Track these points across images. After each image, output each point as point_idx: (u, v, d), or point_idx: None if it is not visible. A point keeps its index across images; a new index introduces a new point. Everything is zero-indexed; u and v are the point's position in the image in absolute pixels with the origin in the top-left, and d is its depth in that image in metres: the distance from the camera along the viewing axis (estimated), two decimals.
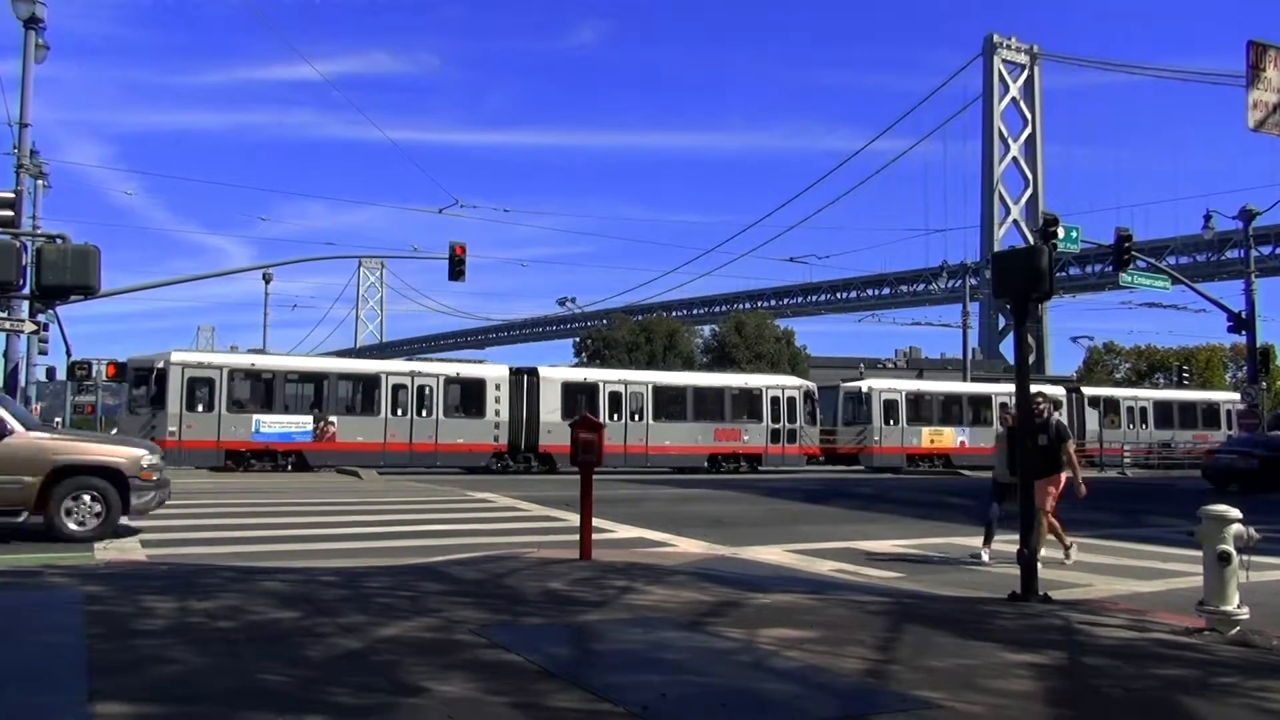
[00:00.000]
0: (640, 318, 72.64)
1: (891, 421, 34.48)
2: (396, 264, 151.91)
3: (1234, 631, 6.05)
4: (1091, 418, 38.42)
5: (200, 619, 5.78)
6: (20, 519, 10.25)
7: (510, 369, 30.09)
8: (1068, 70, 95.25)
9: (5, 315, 19.46)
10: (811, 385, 34.16)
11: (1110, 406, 39.96)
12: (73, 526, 10.29)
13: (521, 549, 10.13)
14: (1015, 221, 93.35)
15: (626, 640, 5.62)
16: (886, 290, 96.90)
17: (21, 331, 20.17)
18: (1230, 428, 40.92)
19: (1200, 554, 6.36)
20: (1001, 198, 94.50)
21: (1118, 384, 75.28)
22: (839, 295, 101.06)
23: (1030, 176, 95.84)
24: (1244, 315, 32.11)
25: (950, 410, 36.17)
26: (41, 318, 21.83)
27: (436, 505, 16.76)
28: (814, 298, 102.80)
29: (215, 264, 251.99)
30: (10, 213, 18.96)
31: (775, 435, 32.23)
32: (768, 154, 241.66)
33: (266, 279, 43.29)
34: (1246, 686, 4.87)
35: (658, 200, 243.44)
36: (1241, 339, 36.45)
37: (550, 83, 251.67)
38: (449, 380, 28.80)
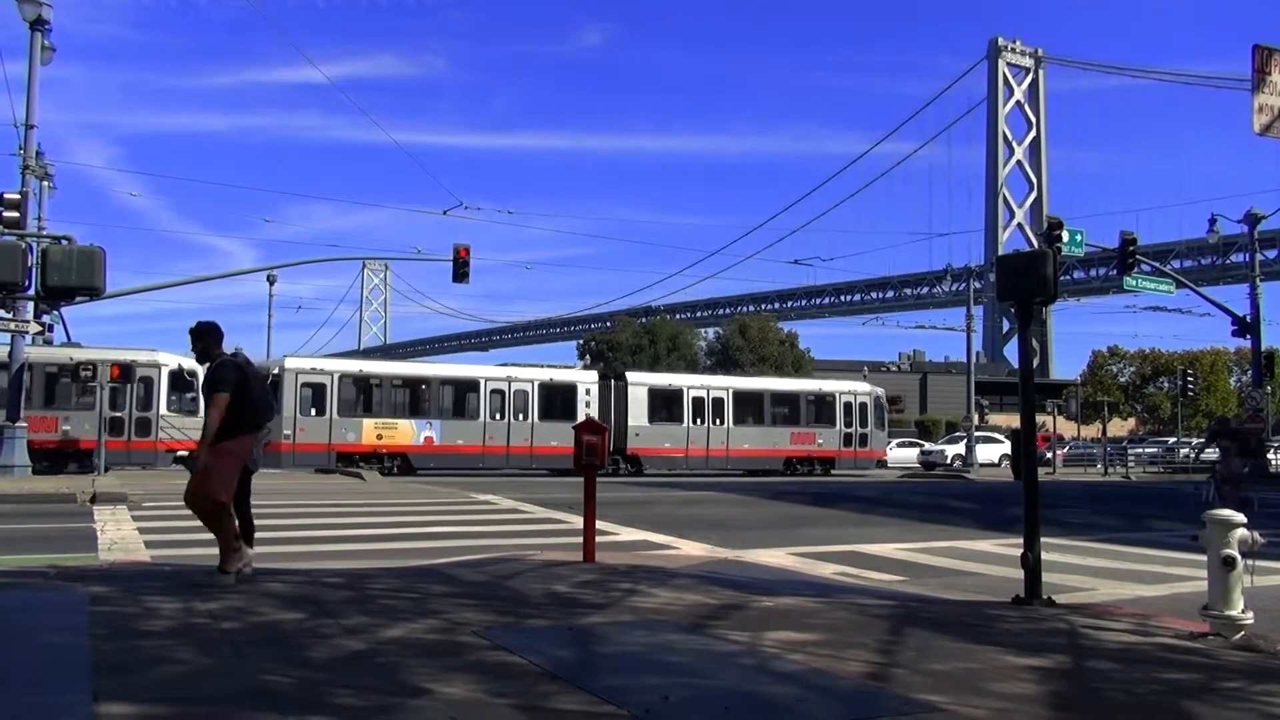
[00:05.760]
0: (644, 320, 72.72)
1: (315, 411, 27.63)
2: (401, 266, 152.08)
3: (1238, 636, 6.04)
4: (639, 412, 31.36)
5: (204, 620, 5.79)
6: None
7: None
8: (1072, 74, 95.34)
9: (10, 316, 19.54)
10: (186, 362, 25.61)
11: (667, 398, 32.26)
12: None
13: (525, 551, 10.13)
14: (1019, 225, 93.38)
15: (630, 643, 5.62)
16: (890, 293, 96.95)
17: (27, 332, 20.25)
18: (850, 425, 34.17)
19: (1204, 558, 6.35)
20: (1006, 201, 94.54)
21: (1123, 388, 75.32)
22: (843, 298, 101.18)
23: (1034, 180, 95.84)
24: (1248, 319, 32.14)
25: (411, 398, 29.72)
26: (46, 318, 21.94)
27: (440, 507, 16.77)
28: (818, 300, 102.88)
29: (220, 266, 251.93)
30: (16, 214, 19.04)
31: (116, 426, 24.60)
32: (772, 157, 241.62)
33: (271, 281, 43.45)
34: (1251, 691, 4.85)
35: (662, 203, 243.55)
36: (1246, 343, 36.49)
37: (555, 86, 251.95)
38: None
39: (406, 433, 28.52)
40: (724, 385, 33.94)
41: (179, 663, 4.73)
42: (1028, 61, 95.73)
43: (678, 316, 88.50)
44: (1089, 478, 34.99)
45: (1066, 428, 53.91)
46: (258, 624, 5.74)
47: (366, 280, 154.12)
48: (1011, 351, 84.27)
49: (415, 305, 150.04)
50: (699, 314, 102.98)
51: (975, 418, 39.52)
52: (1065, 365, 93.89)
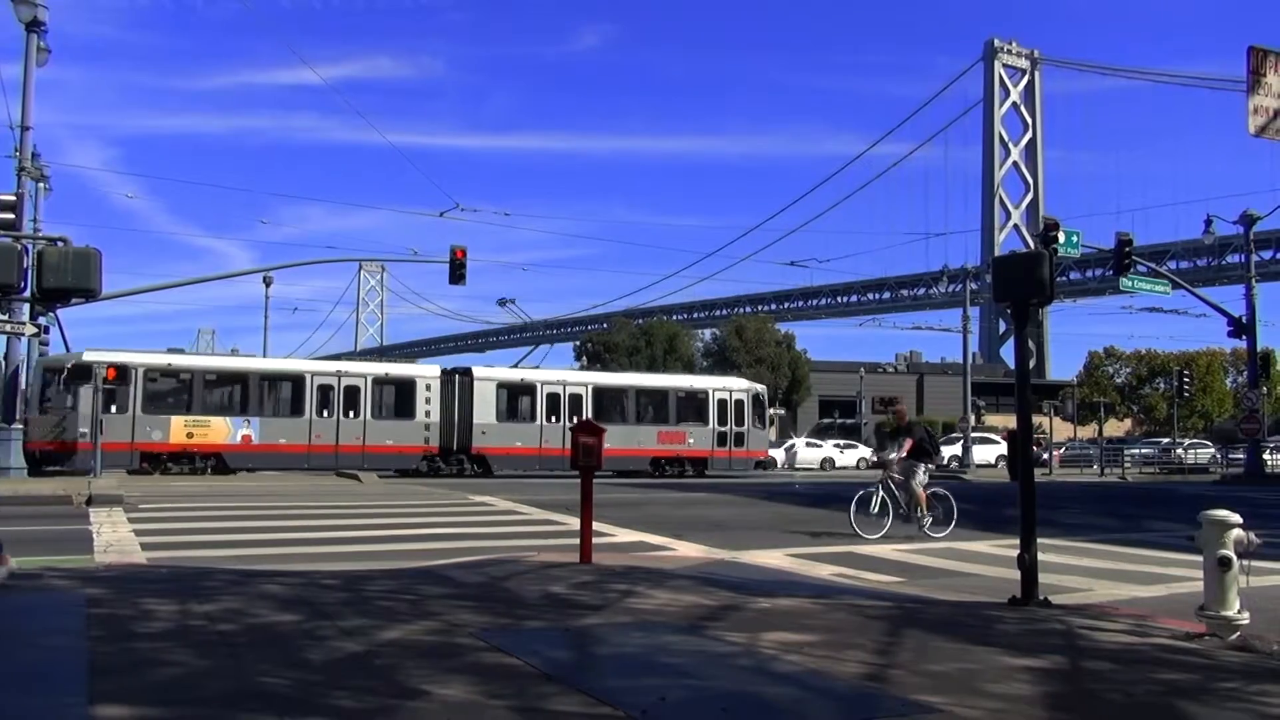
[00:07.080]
0: (641, 321, 72.67)
1: (115, 408, 25.57)
2: (397, 267, 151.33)
3: (1234, 636, 6.05)
4: (486, 409, 29.63)
5: (201, 621, 5.78)
6: None
7: None
8: (1068, 75, 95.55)
9: (6, 318, 19.47)
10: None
11: (519, 394, 30.67)
12: None
13: (522, 553, 10.12)
14: (1016, 226, 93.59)
15: (627, 644, 5.62)
16: (887, 294, 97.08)
17: (22, 334, 20.19)
18: (725, 424, 32.39)
19: (1200, 559, 6.35)
20: (1002, 202, 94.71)
21: (1119, 389, 75.44)
22: (840, 299, 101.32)
23: (1031, 181, 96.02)
24: (1244, 320, 32.18)
25: (228, 394, 28.01)
26: (42, 320, 21.85)
27: (437, 509, 16.76)
28: (815, 302, 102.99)
29: (216, 267, 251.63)
30: (11, 215, 18.97)
31: None
32: (769, 158, 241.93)
33: (267, 282, 43.40)
34: (1247, 691, 4.86)
35: (658, 204, 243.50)
36: (1242, 344, 36.54)
37: (552, 87, 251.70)
38: None
39: (221, 430, 26.69)
40: (583, 381, 32.59)
41: (175, 665, 4.73)
42: (1024, 63, 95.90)
43: (675, 318, 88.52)
44: (1085, 478, 35.03)
45: (1063, 428, 53.99)
46: (254, 626, 5.73)
47: (363, 282, 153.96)
48: (1008, 352, 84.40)
49: (412, 307, 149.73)
50: (696, 315, 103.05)
51: (972, 419, 39.55)
52: (1062, 366, 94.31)
